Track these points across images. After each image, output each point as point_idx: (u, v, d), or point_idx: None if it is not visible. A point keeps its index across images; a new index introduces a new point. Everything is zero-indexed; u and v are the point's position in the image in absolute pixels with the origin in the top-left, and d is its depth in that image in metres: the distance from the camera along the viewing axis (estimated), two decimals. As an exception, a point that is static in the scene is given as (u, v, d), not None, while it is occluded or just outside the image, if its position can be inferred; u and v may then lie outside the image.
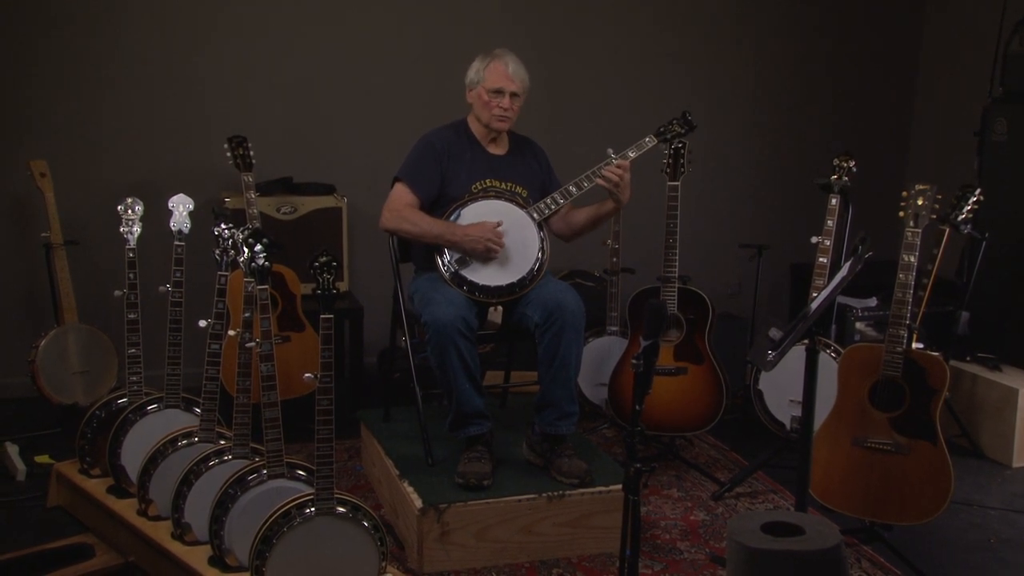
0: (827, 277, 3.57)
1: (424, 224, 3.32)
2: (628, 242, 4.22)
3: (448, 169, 3.39)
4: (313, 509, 2.56)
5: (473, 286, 3.27)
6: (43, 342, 3.94)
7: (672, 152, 3.81)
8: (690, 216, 4.29)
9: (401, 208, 3.35)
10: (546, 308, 3.22)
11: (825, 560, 2.24)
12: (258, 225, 3.87)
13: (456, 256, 3.30)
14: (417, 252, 3.50)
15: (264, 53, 4.62)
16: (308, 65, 4.68)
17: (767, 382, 3.82)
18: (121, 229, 3.25)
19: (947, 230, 3.40)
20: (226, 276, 2.94)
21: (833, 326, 4.00)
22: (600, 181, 3.30)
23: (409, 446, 3.42)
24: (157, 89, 4.51)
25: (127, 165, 4.51)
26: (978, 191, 3.42)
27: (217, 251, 2.92)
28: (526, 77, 3.40)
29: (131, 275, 3.24)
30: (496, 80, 3.34)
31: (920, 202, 3.13)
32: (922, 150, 5.64)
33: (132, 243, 3.25)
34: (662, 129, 3.52)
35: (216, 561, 2.72)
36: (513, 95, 3.36)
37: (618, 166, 3.29)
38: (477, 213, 3.33)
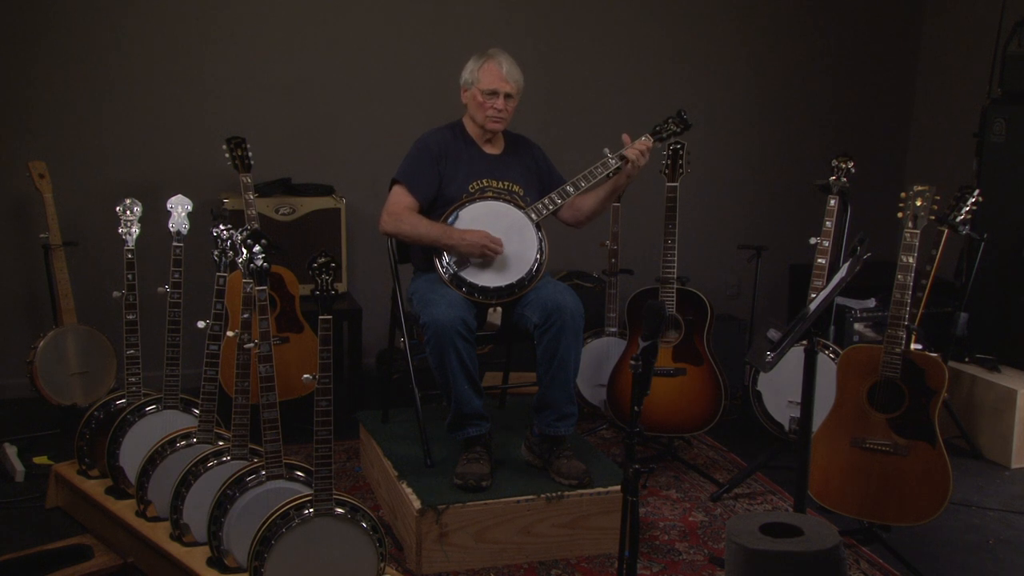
0: (826, 278, 3.57)
1: (422, 227, 3.32)
2: (627, 243, 4.22)
3: (445, 170, 3.40)
4: (312, 510, 2.56)
5: (472, 287, 3.27)
6: (42, 343, 3.94)
7: (671, 153, 3.81)
8: (689, 217, 4.30)
9: (400, 211, 3.35)
10: (545, 309, 3.22)
11: (824, 561, 2.25)
12: (257, 226, 3.87)
13: (455, 257, 3.30)
14: (416, 253, 3.50)
15: (263, 54, 4.62)
16: (307, 65, 4.68)
17: (766, 383, 3.83)
18: (120, 230, 3.25)
19: (946, 231, 3.41)
20: (225, 277, 2.94)
21: (832, 327, 4.00)
22: (632, 151, 3.33)
23: (408, 447, 3.42)
24: (156, 90, 4.51)
25: (126, 166, 4.51)
26: (977, 192, 3.43)
27: (216, 252, 2.92)
28: (520, 77, 3.40)
29: (130, 276, 3.24)
30: (490, 81, 3.35)
31: (919, 203, 3.13)
32: (921, 151, 5.64)
33: (131, 244, 3.25)
34: (658, 128, 3.52)
35: (215, 562, 2.71)
36: (507, 96, 3.37)
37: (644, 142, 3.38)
38: (476, 214, 3.33)
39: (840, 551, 2.28)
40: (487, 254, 3.26)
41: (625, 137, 3.39)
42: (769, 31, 5.35)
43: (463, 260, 3.30)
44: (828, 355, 3.62)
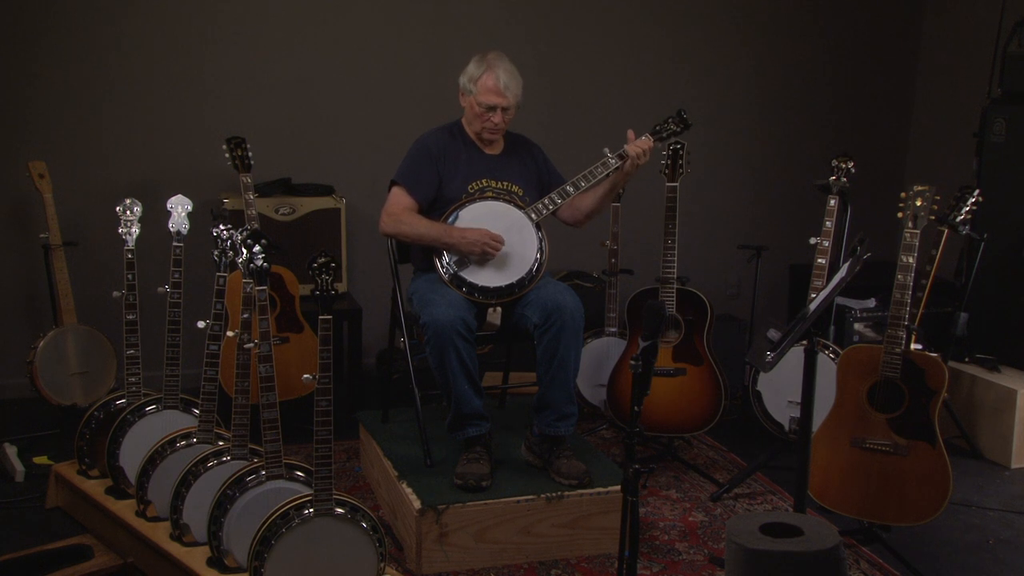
0: (826, 278, 3.57)
1: (421, 227, 3.32)
2: (627, 243, 4.22)
3: (444, 171, 3.40)
4: (312, 510, 2.56)
5: (472, 287, 3.27)
6: (42, 343, 3.94)
7: (671, 153, 3.81)
8: (689, 217, 4.30)
9: (399, 212, 3.36)
10: (545, 309, 3.22)
11: (824, 561, 2.25)
12: (257, 226, 3.87)
13: (455, 257, 3.30)
14: (416, 253, 3.50)
15: (263, 53, 4.62)
16: (307, 65, 4.68)
17: (766, 383, 3.83)
18: (120, 230, 3.25)
19: (946, 231, 3.41)
20: (225, 277, 2.94)
21: (832, 327, 4.00)
22: (633, 147, 3.34)
23: (408, 447, 3.42)
24: (156, 90, 4.51)
25: (126, 166, 4.51)
26: (977, 192, 3.43)
27: (216, 252, 2.92)
28: (518, 87, 3.38)
29: (130, 276, 3.24)
30: (487, 97, 3.33)
31: (919, 203, 3.13)
32: (921, 151, 5.64)
33: (131, 244, 3.25)
34: (658, 128, 3.52)
35: (215, 562, 2.71)
36: (504, 109, 3.36)
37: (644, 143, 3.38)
38: (475, 214, 3.33)
39: (840, 551, 2.28)
40: (488, 251, 3.26)
41: (630, 133, 3.39)
42: (769, 31, 5.35)
43: (463, 260, 3.30)
44: (828, 355, 3.62)
